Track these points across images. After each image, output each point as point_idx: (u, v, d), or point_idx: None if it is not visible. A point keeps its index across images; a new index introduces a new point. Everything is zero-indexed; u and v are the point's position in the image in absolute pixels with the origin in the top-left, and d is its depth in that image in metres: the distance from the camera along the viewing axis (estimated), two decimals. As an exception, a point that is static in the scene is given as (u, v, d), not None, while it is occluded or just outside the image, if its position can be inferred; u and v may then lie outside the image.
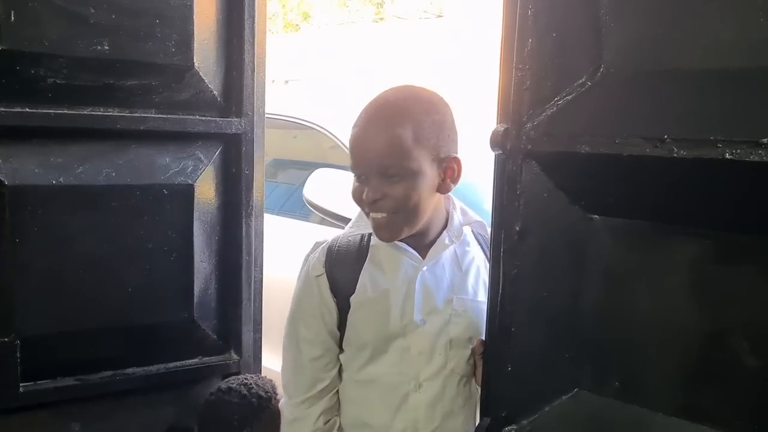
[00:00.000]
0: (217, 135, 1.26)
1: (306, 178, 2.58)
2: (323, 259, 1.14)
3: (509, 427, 0.94)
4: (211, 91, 1.23)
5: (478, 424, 0.97)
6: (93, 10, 1.11)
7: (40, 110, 1.09)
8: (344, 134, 2.64)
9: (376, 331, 1.11)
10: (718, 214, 0.81)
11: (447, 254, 1.12)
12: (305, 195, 2.27)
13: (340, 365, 1.15)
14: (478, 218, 1.17)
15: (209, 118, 1.24)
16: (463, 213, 1.15)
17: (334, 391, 1.15)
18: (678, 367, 0.85)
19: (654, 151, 0.77)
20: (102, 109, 1.16)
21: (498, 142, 0.90)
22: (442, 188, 1.08)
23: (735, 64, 0.75)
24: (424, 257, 1.12)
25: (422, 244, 1.12)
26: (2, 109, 1.02)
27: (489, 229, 1.05)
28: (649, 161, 0.78)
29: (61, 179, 1.13)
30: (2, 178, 1.05)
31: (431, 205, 1.09)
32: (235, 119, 1.25)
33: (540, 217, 0.92)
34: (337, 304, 1.13)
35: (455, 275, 1.12)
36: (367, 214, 1.08)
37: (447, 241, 1.12)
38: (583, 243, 0.91)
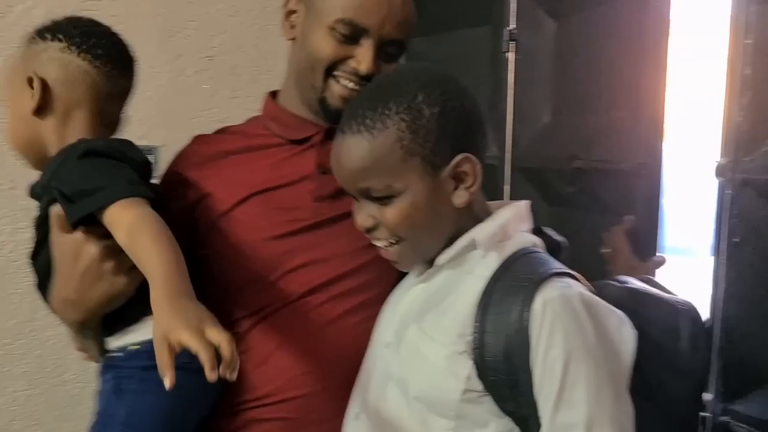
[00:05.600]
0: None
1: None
2: None
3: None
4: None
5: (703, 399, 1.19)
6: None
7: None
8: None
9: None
10: None
11: (441, 275, 0.89)
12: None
13: None
14: (526, 246, 0.86)
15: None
16: (500, 233, 0.86)
17: None
18: None
19: None
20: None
21: (721, 172, 1.14)
22: (457, 199, 0.85)
23: None
24: None
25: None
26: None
27: (541, 268, 0.81)
28: None
29: None
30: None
31: (449, 222, 0.86)
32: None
33: (755, 231, 1.14)
34: None
35: (432, 302, 0.88)
36: None
37: (440, 263, 0.88)
38: (794, 251, 1.12)
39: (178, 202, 1.09)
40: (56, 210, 0.94)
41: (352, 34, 1.00)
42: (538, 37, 1.64)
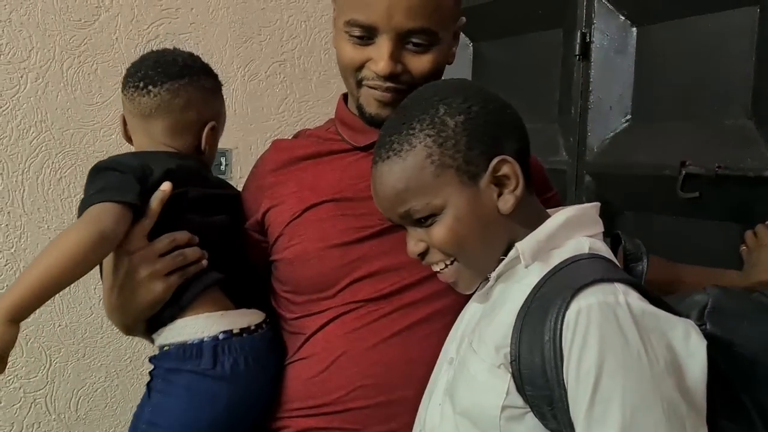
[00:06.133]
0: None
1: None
2: None
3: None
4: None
5: None
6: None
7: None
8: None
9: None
10: None
11: (496, 289, 0.85)
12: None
13: None
14: (581, 252, 0.80)
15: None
16: (547, 241, 0.81)
17: None
18: None
19: None
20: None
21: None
22: (504, 205, 0.82)
23: None
24: None
25: None
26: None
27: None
28: None
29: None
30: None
31: (501, 232, 0.83)
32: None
33: None
34: None
35: (484, 316, 0.85)
36: None
37: (492, 277, 0.84)
38: None
39: (254, 211, 1.10)
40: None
41: (365, 34, 0.94)
42: (614, 41, 1.60)
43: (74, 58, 1.86)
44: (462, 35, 2.01)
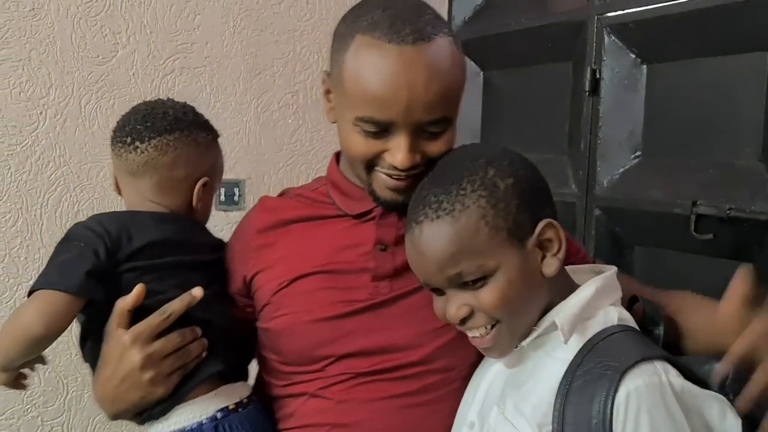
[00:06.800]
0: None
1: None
2: None
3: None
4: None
5: None
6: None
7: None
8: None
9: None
10: None
11: (523, 354, 0.86)
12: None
13: None
14: (612, 323, 0.82)
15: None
16: (582, 312, 0.82)
17: None
18: None
19: None
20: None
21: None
22: (548, 268, 0.83)
23: None
24: None
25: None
26: None
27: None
28: None
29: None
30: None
31: (543, 295, 0.84)
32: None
33: None
34: None
35: (513, 384, 0.85)
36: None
37: (524, 344, 0.84)
38: None
39: (240, 272, 1.07)
40: (120, 303, 0.95)
41: (380, 129, 0.90)
42: (624, 78, 1.61)
43: (92, 94, 1.89)
44: (473, 63, 2.05)
